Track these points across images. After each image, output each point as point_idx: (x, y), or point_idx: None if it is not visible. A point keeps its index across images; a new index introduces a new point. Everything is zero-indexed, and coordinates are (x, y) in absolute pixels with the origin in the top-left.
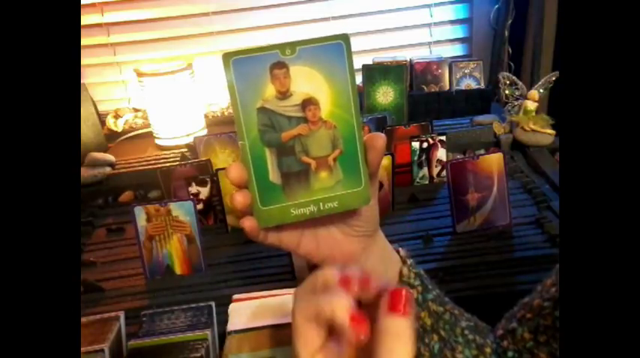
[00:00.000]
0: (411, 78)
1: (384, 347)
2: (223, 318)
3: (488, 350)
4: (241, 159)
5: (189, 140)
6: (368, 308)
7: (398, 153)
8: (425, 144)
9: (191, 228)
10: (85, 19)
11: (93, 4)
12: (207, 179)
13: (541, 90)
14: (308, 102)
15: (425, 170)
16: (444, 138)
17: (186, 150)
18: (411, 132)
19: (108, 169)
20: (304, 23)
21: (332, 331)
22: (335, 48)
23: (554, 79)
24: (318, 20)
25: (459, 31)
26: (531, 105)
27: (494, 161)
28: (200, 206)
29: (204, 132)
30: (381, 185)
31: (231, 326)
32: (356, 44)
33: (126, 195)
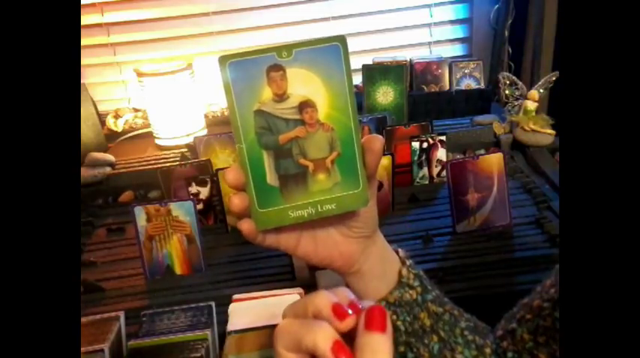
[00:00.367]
0: (411, 78)
1: None
2: (223, 318)
3: (487, 350)
4: (239, 162)
5: (189, 140)
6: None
7: (398, 153)
8: (425, 144)
9: (191, 228)
10: (85, 19)
11: (93, 4)
12: (207, 179)
13: (541, 91)
14: (305, 105)
15: (425, 170)
16: (444, 138)
17: (186, 150)
18: (411, 132)
19: (108, 169)
20: (304, 23)
21: None
22: (332, 50)
23: (554, 79)
24: (318, 20)
25: (459, 31)
26: (531, 105)
27: (494, 161)
28: (200, 206)
29: (204, 132)
30: (380, 185)
31: (231, 326)
32: (356, 44)
33: (126, 195)
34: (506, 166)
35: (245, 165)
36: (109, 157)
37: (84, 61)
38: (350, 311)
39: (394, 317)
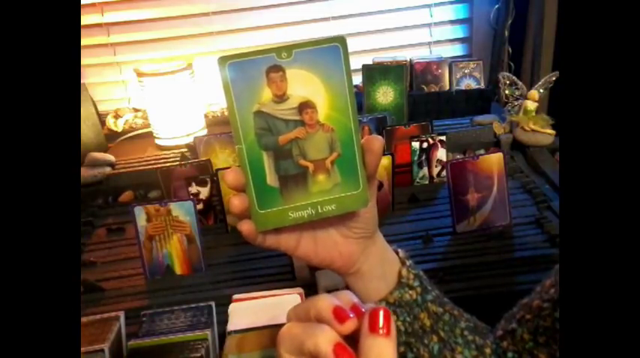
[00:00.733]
0: (411, 78)
1: None
2: (223, 318)
3: (487, 350)
4: (239, 163)
5: (189, 140)
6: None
7: (398, 153)
8: (425, 144)
9: (191, 228)
10: (85, 19)
11: (93, 4)
12: (207, 179)
13: (541, 91)
14: (305, 106)
15: (425, 170)
16: (444, 138)
17: (186, 150)
18: (411, 132)
19: (108, 169)
20: (304, 23)
21: None
22: (331, 51)
23: (554, 79)
24: (318, 20)
25: (459, 31)
26: (531, 105)
27: (494, 161)
28: (200, 206)
29: (204, 132)
30: (380, 185)
31: (231, 326)
32: (356, 44)
33: (126, 195)
34: (506, 166)
35: (245, 166)
36: (109, 157)
37: (84, 61)
38: (351, 314)
39: (394, 317)
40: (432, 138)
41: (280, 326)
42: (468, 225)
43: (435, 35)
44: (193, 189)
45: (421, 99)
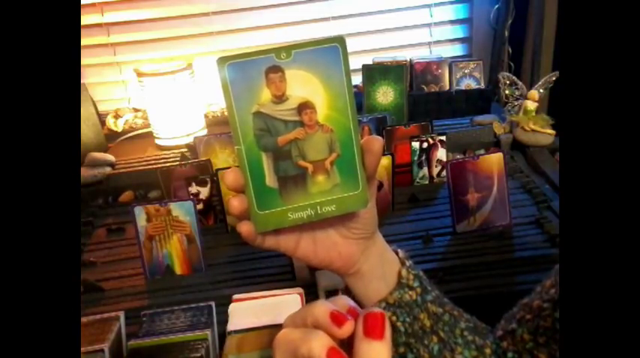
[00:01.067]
0: (411, 78)
1: None
2: (223, 318)
3: (487, 350)
4: (238, 164)
5: (189, 140)
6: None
7: (398, 153)
8: (425, 144)
9: (191, 228)
10: (85, 19)
11: (93, 4)
12: (207, 179)
13: (541, 91)
14: (304, 106)
15: (425, 170)
16: (444, 138)
17: (186, 150)
18: (411, 132)
19: (108, 169)
20: (304, 23)
21: None
22: (331, 51)
23: (554, 79)
24: (318, 20)
25: (459, 31)
26: (531, 105)
27: (494, 161)
28: (200, 206)
29: (204, 132)
30: (380, 185)
31: (231, 326)
32: (356, 44)
33: (126, 195)
34: (506, 166)
35: (244, 167)
36: (109, 157)
37: (84, 61)
38: (349, 317)
39: (394, 318)
40: (432, 138)
41: (280, 326)
42: (468, 225)
43: (435, 35)
44: (193, 189)
45: (421, 99)
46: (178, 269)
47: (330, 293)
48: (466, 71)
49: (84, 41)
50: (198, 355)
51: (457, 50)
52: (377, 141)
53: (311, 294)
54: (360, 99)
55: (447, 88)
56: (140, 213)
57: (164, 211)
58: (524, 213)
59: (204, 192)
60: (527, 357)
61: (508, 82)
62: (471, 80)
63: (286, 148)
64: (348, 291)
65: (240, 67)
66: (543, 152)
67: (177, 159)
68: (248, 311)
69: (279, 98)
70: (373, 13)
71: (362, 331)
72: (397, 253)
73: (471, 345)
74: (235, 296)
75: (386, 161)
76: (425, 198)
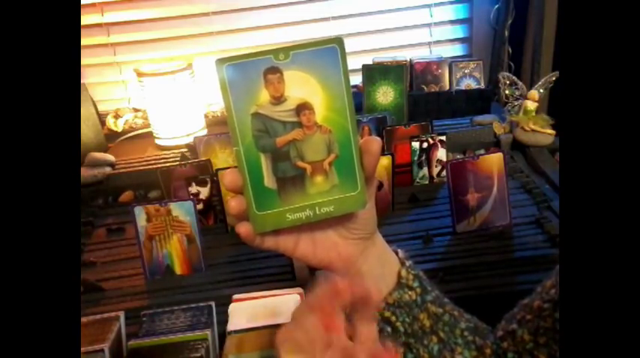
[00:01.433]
0: (411, 78)
1: None
2: (223, 318)
3: (488, 351)
4: (236, 165)
5: (189, 140)
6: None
7: (398, 153)
8: (425, 144)
9: (191, 228)
10: (85, 19)
11: (93, 4)
12: (207, 179)
13: (541, 91)
14: (302, 107)
15: (425, 170)
16: (444, 138)
17: (186, 150)
18: (411, 132)
19: (108, 169)
20: (304, 23)
21: None
22: (329, 52)
23: (554, 79)
24: (318, 20)
25: (459, 31)
26: (531, 105)
27: (494, 161)
28: (200, 206)
29: (204, 132)
30: (380, 185)
31: (231, 326)
32: (356, 44)
33: (126, 195)
34: (506, 166)
35: (242, 168)
36: (109, 157)
37: (84, 61)
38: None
39: (393, 318)
40: (432, 138)
41: (280, 326)
42: (468, 225)
43: (435, 35)
44: (193, 189)
45: (421, 99)
46: (178, 270)
47: None
48: (466, 71)
49: (84, 41)
50: (198, 355)
51: (457, 50)
52: (375, 142)
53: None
54: (360, 99)
55: (447, 88)
56: (140, 213)
57: (164, 211)
58: (524, 213)
59: (204, 192)
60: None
61: (508, 82)
62: (471, 80)
63: (285, 149)
64: None
65: (238, 68)
66: (543, 152)
67: (177, 159)
68: (248, 311)
69: (278, 99)
70: (373, 13)
71: None
72: (397, 253)
73: (471, 345)
74: (235, 296)
75: (386, 161)
76: (425, 198)
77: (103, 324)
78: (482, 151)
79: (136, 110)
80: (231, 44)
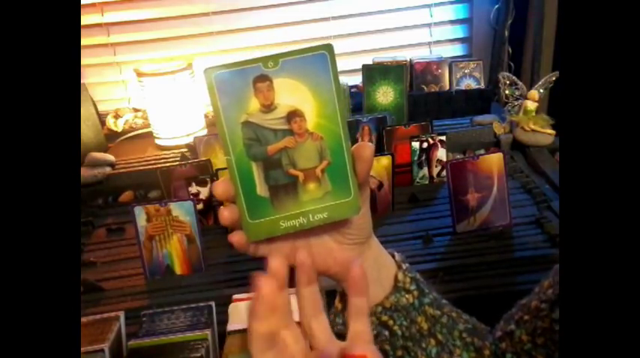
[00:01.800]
0: (411, 78)
1: None
2: (223, 318)
3: (486, 352)
4: (228, 174)
5: (189, 140)
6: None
7: (398, 153)
8: (425, 144)
9: (191, 228)
10: (85, 19)
11: (93, 4)
12: (207, 179)
13: (541, 91)
14: (293, 115)
15: (425, 170)
16: (444, 138)
17: (186, 150)
18: (411, 132)
19: (108, 169)
20: (304, 23)
21: None
22: (318, 59)
23: (554, 79)
24: (318, 20)
25: (459, 31)
26: (531, 105)
27: (494, 161)
28: (200, 206)
29: (204, 132)
30: (380, 185)
31: (231, 326)
32: (356, 44)
33: (126, 195)
34: (506, 166)
35: (234, 177)
36: (109, 157)
37: (84, 61)
38: None
39: (390, 321)
40: (432, 138)
41: None
42: (468, 225)
43: (435, 35)
44: (193, 189)
45: (421, 99)
46: (178, 270)
47: (330, 294)
48: (466, 71)
49: (84, 41)
50: (198, 355)
51: (457, 50)
52: (367, 148)
53: None
54: (360, 99)
55: (447, 88)
56: (140, 213)
57: (164, 211)
58: (524, 213)
59: (204, 192)
60: None
61: (508, 82)
62: (471, 80)
63: (276, 157)
64: (344, 296)
65: (227, 77)
66: (543, 152)
67: (177, 159)
68: (248, 311)
69: (268, 107)
70: (373, 13)
71: None
72: (393, 256)
73: (470, 347)
74: (235, 296)
75: (386, 161)
76: (425, 198)
77: (103, 324)
78: (482, 151)
79: (136, 110)
80: (231, 44)
